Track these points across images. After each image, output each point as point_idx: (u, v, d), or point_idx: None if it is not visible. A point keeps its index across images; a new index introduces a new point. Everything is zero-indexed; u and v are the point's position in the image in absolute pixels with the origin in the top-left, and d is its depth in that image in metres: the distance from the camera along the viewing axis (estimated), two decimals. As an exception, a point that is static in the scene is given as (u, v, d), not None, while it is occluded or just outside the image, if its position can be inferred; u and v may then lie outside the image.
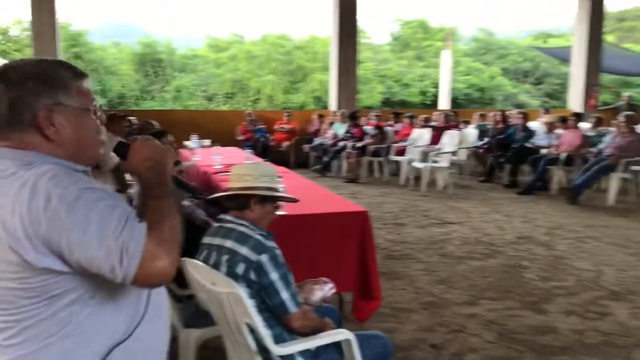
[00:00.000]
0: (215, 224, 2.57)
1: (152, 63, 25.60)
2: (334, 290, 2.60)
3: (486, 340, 3.74)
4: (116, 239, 1.26)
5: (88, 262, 1.27)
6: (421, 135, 10.82)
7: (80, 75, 1.49)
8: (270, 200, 2.51)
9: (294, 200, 2.83)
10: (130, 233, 1.28)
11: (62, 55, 12.89)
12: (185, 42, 30.07)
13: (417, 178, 9.95)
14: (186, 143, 8.07)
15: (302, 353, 2.33)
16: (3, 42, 22.80)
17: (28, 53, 19.16)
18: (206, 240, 2.53)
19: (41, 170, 1.32)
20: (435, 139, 10.45)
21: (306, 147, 12.77)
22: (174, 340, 3.12)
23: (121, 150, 1.54)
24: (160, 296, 1.58)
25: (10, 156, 1.37)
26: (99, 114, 1.52)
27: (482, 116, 12.51)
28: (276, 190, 2.53)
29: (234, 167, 2.61)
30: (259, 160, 5.65)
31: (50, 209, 1.26)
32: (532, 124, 10.93)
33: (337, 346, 2.41)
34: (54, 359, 1.35)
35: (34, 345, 1.34)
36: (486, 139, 11.09)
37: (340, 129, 12.00)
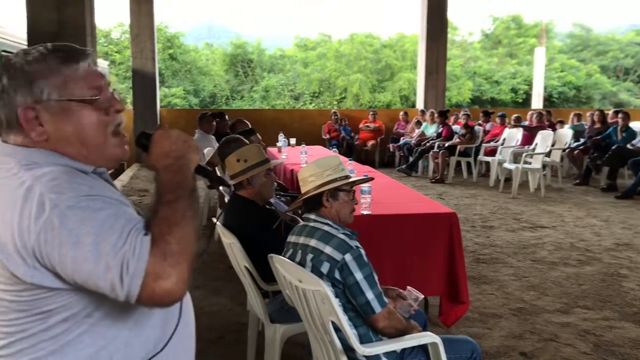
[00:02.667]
0: (301, 223, 2.59)
1: (242, 63, 26.32)
2: (421, 298, 2.54)
3: (581, 352, 3.55)
4: (115, 254, 1.08)
5: (83, 278, 1.10)
6: (513, 135, 10.46)
7: (73, 58, 1.25)
8: (341, 189, 2.50)
9: (365, 180, 2.79)
10: (132, 248, 1.09)
11: (157, 57, 13.47)
12: (275, 42, 30.69)
13: (508, 180, 9.61)
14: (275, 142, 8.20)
15: (388, 354, 2.30)
16: (105, 45, 24.19)
17: (127, 54, 20.25)
18: (291, 238, 2.55)
19: (40, 172, 1.17)
20: (528, 139, 10.06)
21: (392, 146, 12.67)
22: (260, 335, 3.19)
23: (143, 141, 1.32)
24: (187, 306, 1.41)
25: (15, 155, 1.22)
26: (111, 101, 1.29)
27: (578, 116, 11.91)
28: (343, 178, 2.50)
29: (298, 173, 2.60)
30: (345, 159, 5.66)
31: (42, 218, 1.10)
32: (634, 125, 10.27)
33: (423, 349, 2.36)
34: None
35: (26, 359, 1.20)
36: (582, 140, 10.56)
37: (429, 129, 11.81)
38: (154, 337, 1.29)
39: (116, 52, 24.24)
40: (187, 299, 1.41)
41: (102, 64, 10.23)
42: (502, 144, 10.41)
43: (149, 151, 1.29)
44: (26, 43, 5.56)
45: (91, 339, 1.21)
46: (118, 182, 10.45)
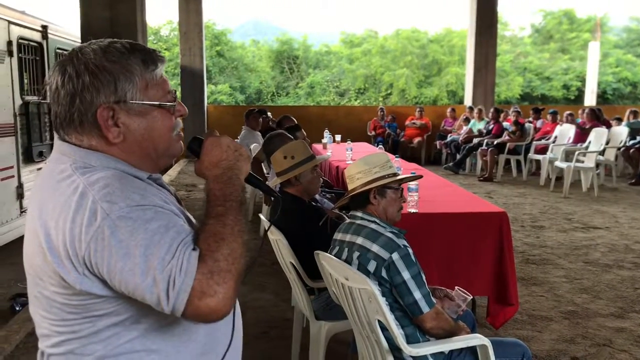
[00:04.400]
0: (347, 220, 2.56)
1: (287, 60, 26.44)
2: (470, 299, 2.48)
3: (637, 358, 3.41)
4: (162, 269, 1.06)
5: (131, 290, 1.09)
6: (565, 133, 10.16)
7: (153, 62, 1.26)
8: (389, 187, 2.45)
9: (413, 179, 2.74)
10: (179, 263, 1.07)
11: (205, 54, 13.66)
12: (320, 39, 30.71)
13: (559, 178, 9.35)
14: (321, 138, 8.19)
15: (435, 355, 2.26)
16: (154, 42, 24.71)
17: (176, 52, 20.62)
18: (338, 236, 2.53)
19: (95, 177, 1.16)
20: (580, 137, 9.76)
21: (438, 143, 12.51)
22: (305, 331, 3.18)
23: (194, 147, 1.33)
24: (238, 319, 1.37)
25: (72, 155, 1.22)
26: (176, 106, 1.31)
27: (634, 113, 11.46)
28: (391, 175, 2.46)
29: (345, 170, 2.57)
30: (391, 156, 5.60)
31: (93, 227, 1.09)
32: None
33: (471, 351, 2.30)
34: None
35: (74, 359, 1.21)
36: (638, 138, 10.17)
37: (477, 126, 11.61)
38: (205, 346, 1.28)
39: (165, 49, 24.71)
40: (237, 312, 1.37)
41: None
42: (554, 142, 10.14)
43: (200, 159, 1.29)
44: (79, 40, 5.72)
45: (141, 345, 1.21)
46: (166, 177, 10.65)
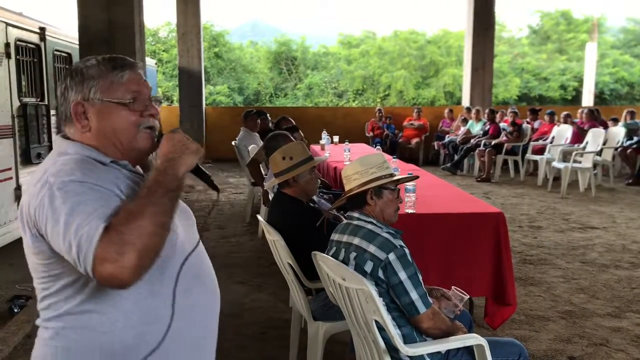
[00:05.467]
0: (344, 221, 2.57)
1: (286, 61, 26.43)
2: (466, 298, 2.49)
3: (634, 358, 3.42)
4: (76, 235, 1.21)
5: (58, 251, 1.27)
6: (562, 133, 10.18)
7: (121, 67, 1.47)
8: (386, 187, 2.46)
9: (410, 179, 2.76)
10: (89, 232, 1.21)
11: (203, 55, 13.66)
12: (319, 40, 30.70)
13: (556, 179, 9.38)
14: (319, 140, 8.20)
15: (432, 355, 2.27)
16: (152, 43, 24.68)
17: (174, 53, 20.61)
18: (335, 236, 2.54)
19: (61, 159, 1.37)
20: (578, 138, 9.78)
21: (436, 144, 12.53)
22: (303, 332, 3.19)
23: (158, 141, 1.49)
24: (198, 299, 1.48)
25: (59, 145, 1.46)
26: (145, 107, 1.48)
27: (631, 113, 11.48)
28: (388, 176, 2.47)
29: (342, 171, 2.58)
30: (389, 157, 5.61)
31: (39, 195, 1.30)
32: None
33: (468, 351, 2.32)
34: (63, 334, 1.38)
35: (51, 314, 1.40)
36: (636, 138, 10.19)
37: (475, 127, 11.63)
38: (143, 317, 1.38)
39: (163, 50, 24.69)
40: (197, 304, 1.48)
41: (150, 63, 10.45)
42: (551, 142, 10.16)
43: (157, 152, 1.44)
44: (77, 42, 5.72)
45: (93, 304, 1.36)
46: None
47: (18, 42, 6.23)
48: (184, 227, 1.51)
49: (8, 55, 5.93)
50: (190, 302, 1.46)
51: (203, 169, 1.50)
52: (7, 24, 6.01)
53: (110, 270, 1.19)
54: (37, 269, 1.39)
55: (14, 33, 6.14)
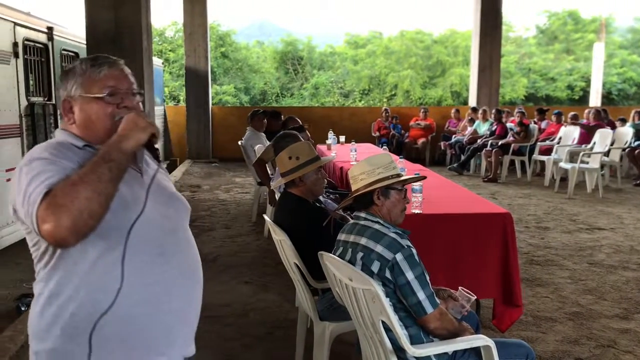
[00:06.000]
0: (351, 221, 2.57)
1: (292, 61, 26.43)
2: (473, 299, 2.48)
3: (642, 360, 3.40)
4: (27, 201, 1.41)
5: (25, 221, 1.46)
6: (569, 134, 10.13)
7: (100, 65, 1.63)
8: (393, 187, 2.46)
9: (417, 179, 2.75)
10: (34, 196, 1.39)
11: (210, 55, 13.68)
12: (325, 40, 30.68)
13: (564, 179, 9.34)
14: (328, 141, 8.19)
15: (439, 356, 2.26)
16: (159, 43, 24.73)
17: (180, 53, 20.64)
18: (342, 236, 2.53)
19: (43, 144, 1.58)
20: (585, 138, 9.73)
21: (443, 144, 12.50)
22: (309, 332, 3.19)
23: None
24: (150, 274, 1.57)
25: (56, 134, 1.67)
26: (121, 100, 1.61)
27: (639, 114, 11.42)
28: (395, 176, 2.46)
29: (349, 171, 2.57)
30: (395, 157, 5.60)
31: (15, 174, 1.50)
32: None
33: (475, 352, 2.30)
34: (39, 298, 1.56)
35: (36, 280, 1.59)
36: (644, 139, 10.14)
37: (482, 127, 11.59)
38: (96, 281, 1.51)
39: (170, 50, 24.72)
40: (159, 279, 1.58)
41: (157, 62, 10.47)
42: (558, 143, 10.11)
43: None
44: (84, 42, 5.74)
45: (55, 271, 1.53)
46: (171, 178, 10.65)
47: (26, 42, 6.26)
48: (157, 204, 1.62)
49: (16, 55, 5.96)
50: (148, 277, 1.56)
51: (155, 145, 1.60)
52: (15, 24, 6.04)
53: (49, 229, 1.35)
54: (29, 241, 1.58)
55: (22, 33, 6.16)
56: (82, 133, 1.62)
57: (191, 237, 1.74)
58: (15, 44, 5.99)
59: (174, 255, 1.63)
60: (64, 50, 7.24)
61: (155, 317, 1.57)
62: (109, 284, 1.50)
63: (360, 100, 25.05)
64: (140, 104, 1.70)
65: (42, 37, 6.70)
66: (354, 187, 2.50)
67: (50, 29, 6.85)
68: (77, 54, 7.54)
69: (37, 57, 6.54)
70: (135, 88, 1.69)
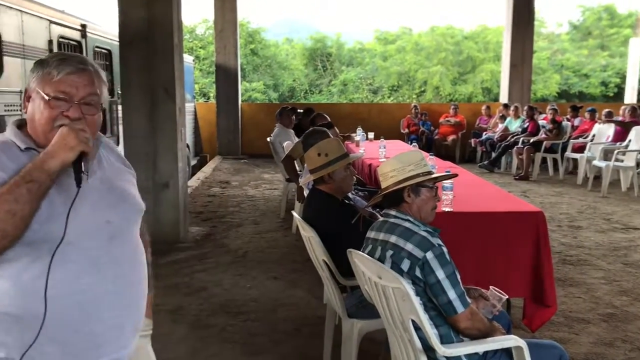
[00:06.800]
0: (380, 219, 2.55)
1: (321, 57, 26.44)
2: (505, 299, 2.44)
3: (679, 364, 3.31)
4: None
5: None
6: (603, 131, 9.91)
7: (59, 66, 1.57)
8: (424, 185, 2.43)
9: (449, 177, 2.71)
10: None
11: (239, 52, 13.76)
12: (355, 37, 30.59)
13: (597, 178, 9.14)
14: (355, 136, 8.17)
15: (470, 356, 2.23)
16: (190, 40, 24.97)
17: (211, 50, 20.81)
18: (371, 234, 2.51)
19: None
20: (620, 136, 9.50)
21: (473, 141, 12.36)
22: (337, 329, 3.18)
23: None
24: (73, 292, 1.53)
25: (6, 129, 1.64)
26: (66, 107, 1.55)
27: (678, 111, 11.11)
28: (425, 174, 2.43)
29: (378, 168, 2.54)
30: (425, 154, 5.55)
31: None
32: None
33: (507, 353, 2.27)
34: None
35: None
36: (682, 136, 9.85)
37: (513, 124, 11.42)
38: (27, 298, 1.49)
39: (200, 47, 24.96)
40: (88, 290, 1.54)
41: (188, 59, 10.57)
42: (592, 140, 9.90)
43: None
44: (117, 39, 5.81)
45: (1, 270, 1.50)
46: (201, 174, 10.78)
47: (60, 39, 6.38)
48: (100, 209, 1.58)
49: (51, 52, 6.07)
50: (75, 287, 1.52)
51: (82, 165, 1.53)
52: (50, 22, 6.15)
53: None
54: None
55: (57, 30, 6.28)
56: (29, 126, 1.60)
57: (135, 243, 1.69)
58: (50, 42, 6.11)
59: (109, 264, 1.58)
60: (97, 47, 7.35)
61: (84, 325, 1.54)
62: (36, 298, 1.47)
63: (389, 97, 24.94)
64: (97, 115, 1.62)
65: (76, 35, 6.82)
66: (383, 185, 2.48)
67: (83, 26, 6.96)
68: (109, 51, 7.66)
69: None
70: (93, 98, 1.60)
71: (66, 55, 1.62)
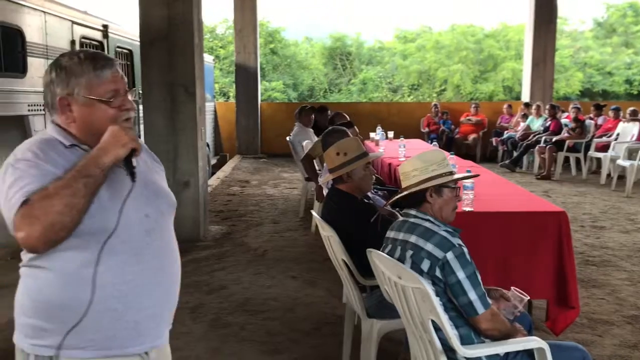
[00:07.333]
0: (400, 218, 2.53)
1: (340, 56, 26.38)
2: (526, 300, 2.41)
3: None
4: (4, 206, 1.49)
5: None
6: (628, 130, 9.74)
7: (102, 67, 1.63)
8: (446, 185, 2.40)
9: (471, 177, 2.68)
10: (11, 204, 1.46)
11: (259, 51, 13.79)
12: (375, 36, 30.48)
13: (621, 177, 9.00)
14: (372, 135, 8.15)
15: (490, 357, 2.20)
16: (210, 40, 25.09)
17: (231, 49, 20.88)
18: (391, 234, 2.49)
19: (31, 138, 1.62)
20: (645, 135, 9.33)
21: (494, 140, 12.24)
22: (356, 328, 3.17)
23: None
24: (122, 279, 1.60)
25: (45, 127, 1.65)
26: (122, 102, 1.64)
27: None
28: (448, 174, 2.41)
29: (399, 167, 2.52)
30: (446, 153, 5.50)
31: (4, 165, 1.55)
32: None
33: (528, 355, 2.24)
34: (23, 279, 1.63)
35: (22, 263, 1.63)
36: None
37: (535, 123, 11.29)
38: (76, 285, 1.56)
39: (220, 47, 25.05)
40: (134, 279, 1.61)
41: (208, 59, 10.62)
42: (616, 139, 9.74)
43: None
44: (137, 39, 5.86)
45: (40, 261, 1.57)
46: (221, 173, 10.84)
47: (83, 40, 6.45)
48: (140, 203, 1.65)
49: (73, 53, 6.14)
50: (120, 277, 1.59)
51: (133, 161, 1.62)
52: (73, 22, 6.23)
53: (21, 236, 1.44)
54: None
55: (79, 31, 6.35)
56: (81, 133, 1.64)
57: (170, 236, 1.76)
58: (72, 42, 6.18)
59: (149, 255, 1.65)
60: (118, 47, 7.42)
61: (126, 314, 1.61)
62: (83, 286, 1.56)
63: (409, 96, 24.79)
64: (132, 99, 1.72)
65: (98, 35, 6.89)
66: (405, 184, 2.45)
67: (105, 26, 7.03)
68: (130, 51, 7.73)
69: (93, 54, 6.73)
70: (127, 86, 1.71)
71: (93, 55, 1.66)
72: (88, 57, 1.65)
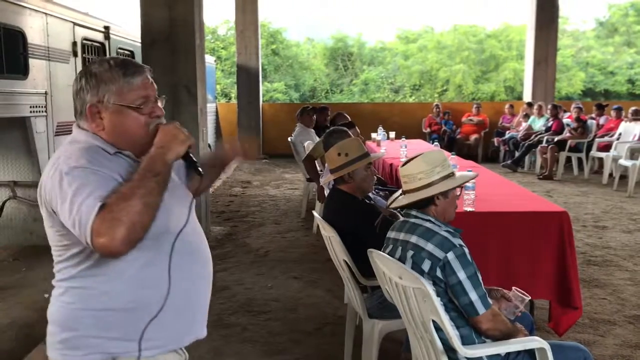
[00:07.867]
0: (401, 219, 2.52)
1: (342, 57, 26.38)
2: (527, 300, 2.41)
3: None
4: (77, 212, 1.45)
5: (68, 226, 1.49)
6: (630, 130, 9.72)
7: (132, 74, 1.64)
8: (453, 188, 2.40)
9: (471, 178, 2.67)
10: (86, 210, 1.44)
11: (261, 52, 13.80)
12: (376, 36, 30.47)
13: (623, 177, 8.98)
14: (373, 135, 8.15)
15: (491, 357, 2.20)
16: (212, 41, 25.10)
17: (232, 50, 20.89)
18: (392, 234, 2.49)
19: (72, 147, 1.60)
20: (647, 134, 9.32)
21: (496, 140, 12.23)
22: (358, 329, 3.17)
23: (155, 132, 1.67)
24: (189, 275, 1.68)
25: (73, 134, 1.67)
26: (152, 109, 1.65)
27: None
28: (452, 174, 2.40)
29: (401, 168, 2.48)
30: (447, 153, 5.50)
31: (53, 178, 1.52)
32: None
33: (530, 355, 2.24)
34: (70, 292, 1.63)
35: (62, 276, 1.65)
36: None
37: (537, 123, 11.28)
38: (151, 283, 1.61)
39: (222, 48, 25.05)
40: (191, 276, 1.69)
41: (209, 60, 10.63)
42: (618, 139, 9.72)
43: None
44: (139, 40, 5.87)
45: (98, 269, 1.59)
46: (223, 174, 10.82)
47: (84, 41, 6.46)
48: (179, 208, 1.71)
49: (75, 54, 6.16)
50: (184, 274, 1.67)
51: (192, 156, 1.68)
52: (75, 24, 6.24)
53: (103, 242, 1.41)
54: (52, 239, 1.63)
55: (81, 32, 6.36)
56: (112, 139, 1.64)
57: (201, 230, 1.82)
58: (74, 44, 6.19)
59: (197, 251, 1.74)
60: (120, 48, 7.43)
61: (186, 310, 1.69)
62: (159, 286, 1.62)
63: (410, 96, 24.78)
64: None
65: (100, 37, 6.90)
66: (409, 186, 2.41)
67: (107, 28, 7.04)
68: (132, 52, 7.74)
69: (94, 55, 6.74)
70: (157, 92, 1.72)
71: (123, 62, 1.67)
72: (118, 63, 1.65)
